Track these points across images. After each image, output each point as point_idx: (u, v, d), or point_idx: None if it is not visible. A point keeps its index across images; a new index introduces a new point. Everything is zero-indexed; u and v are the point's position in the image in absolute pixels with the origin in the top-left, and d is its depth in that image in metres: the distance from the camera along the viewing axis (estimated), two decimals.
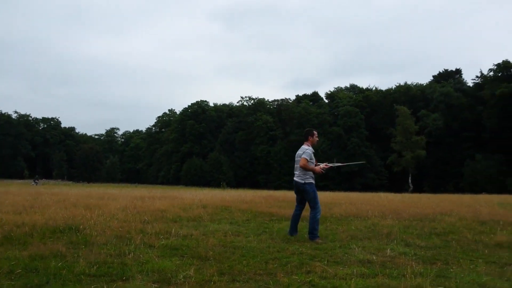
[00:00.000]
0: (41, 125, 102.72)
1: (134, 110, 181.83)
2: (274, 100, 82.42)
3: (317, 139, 7.14)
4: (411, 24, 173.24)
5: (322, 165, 6.92)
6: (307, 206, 6.93)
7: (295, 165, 6.96)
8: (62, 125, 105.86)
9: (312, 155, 6.87)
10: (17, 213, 8.61)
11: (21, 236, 6.01)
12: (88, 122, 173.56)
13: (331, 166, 7.19)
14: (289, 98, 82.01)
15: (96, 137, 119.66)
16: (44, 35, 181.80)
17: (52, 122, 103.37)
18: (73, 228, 6.73)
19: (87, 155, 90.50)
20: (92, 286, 3.68)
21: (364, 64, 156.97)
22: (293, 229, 6.95)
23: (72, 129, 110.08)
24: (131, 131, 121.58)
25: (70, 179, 78.94)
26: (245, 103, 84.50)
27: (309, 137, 7.05)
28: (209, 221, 8.56)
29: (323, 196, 12.71)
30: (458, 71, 74.08)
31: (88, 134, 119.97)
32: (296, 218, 7.02)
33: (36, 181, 48.67)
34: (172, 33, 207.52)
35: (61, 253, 4.96)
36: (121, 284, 3.80)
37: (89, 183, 69.54)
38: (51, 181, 60.04)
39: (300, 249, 5.73)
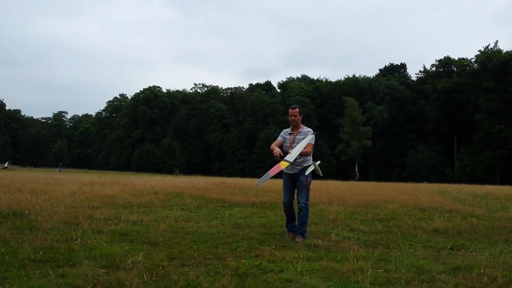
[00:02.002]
0: None
1: (84, 94, 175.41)
2: (228, 88, 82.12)
3: (290, 117, 5.93)
4: (360, 19, 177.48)
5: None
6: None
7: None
8: (7, 107, 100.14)
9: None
10: None
11: None
12: (35, 105, 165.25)
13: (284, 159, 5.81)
14: (243, 87, 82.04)
15: (43, 120, 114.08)
16: None
17: None
18: (18, 213, 6.49)
19: (34, 139, 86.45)
20: (37, 271, 3.60)
21: (315, 56, 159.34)
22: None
23: (18, 111, 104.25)
24: (80, 115, 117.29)
25: (15, 163, 74.96)
26: (198, 90, 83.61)
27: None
28: (160, 207, 8.51)
29: (274, 184, 12.94)
30: (403, 66, 77.01)
31: (35, 117, 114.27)
32: None
33: (6, 166, 46.67)
34: (125, 16, 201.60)
35: (4, 238, 4.79)
36: (68, 269, 3.75)
37: (36, 167, 66.53)
38: None
39: (250, 234, 5.85)
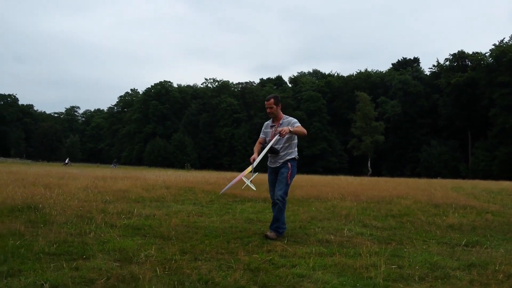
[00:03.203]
0: None
1: (95, 89, 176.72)
2: (239, 83, 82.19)
3: (267, 110, 5.65)
4: (372, 13, 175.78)
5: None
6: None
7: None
8: (20, 103, 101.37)
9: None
10: None
11: None
12: (47, 100, 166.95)
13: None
14: (253, 82, 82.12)
15: (56, 115, 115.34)
16: (0, 11, 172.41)
17: (9, 99, 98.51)
18: (32, 207, 6.56)
19: (46, 133, 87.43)
20: (52, 264, 3.63)
21: (327, 51, 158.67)
22: None
23: (31, 106, 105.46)
24: (92, 110, 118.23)
25: (28, 158, 76.05)
26: (209, 85, 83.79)
27: None
28: (172, 202, 8.55)
29: None
30: (416, 60, 76.24)
31: (47, 112, 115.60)
32: None
33: (67, 162, 47.71)
34: (136, 11, 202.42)
35: (19, 232, 4.84)
36: (82, 262, 3.78)
37: (49, 162, 67.37)
38: (9, 160, 57.70)
39: (262, 229, 5.84)
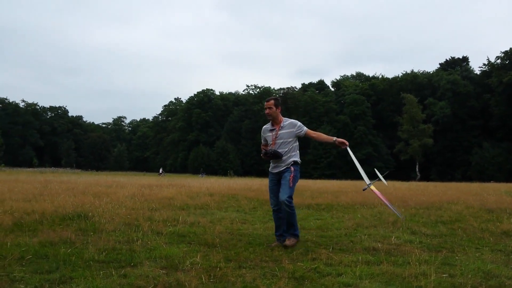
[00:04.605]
0: (48, 114, 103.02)
1: (141, 99, 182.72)
2: (280, 89, 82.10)
3: (265, 111, 5.43)
4: (417, 12, 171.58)
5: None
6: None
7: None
8: (70, 114, 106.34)
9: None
10: (27, 200, 8.73)
11: (31, 223, 6.11)
12: (95, 111, 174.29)
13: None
14: (295, 87, 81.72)
15: (104, 125, 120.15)
16: (50, 25, 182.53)
17: (59, 111, 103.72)
18: (82, 215, 6.81)
19: (95, 143, 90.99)
20: (101, 272, 3.74)
21: (370, 52, 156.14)
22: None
23: (80, 117, 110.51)
24: (138, 119, 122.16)
25: (78, 167, 79.48)
26: (251, 91, 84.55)
27: None
28: (216, 209, 8.64)
29: (330, 185, 12.75)
30: (465, 59, 73.40)
31: (96, 122, 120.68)
32: None
33: (161, 172, 50.52)
34: (178, 21, 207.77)
35: (70, 239, 5.03)
36: (130, 270, 3.86)
37: (98, 171, 70.07)
38: (60, 169, 60.51)
39: (306, 237, 5.77)
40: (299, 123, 5.31)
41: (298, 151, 5.31)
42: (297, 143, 5.33)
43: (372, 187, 5.32)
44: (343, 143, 5.13)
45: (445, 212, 8.50)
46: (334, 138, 5.13)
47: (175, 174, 58.13)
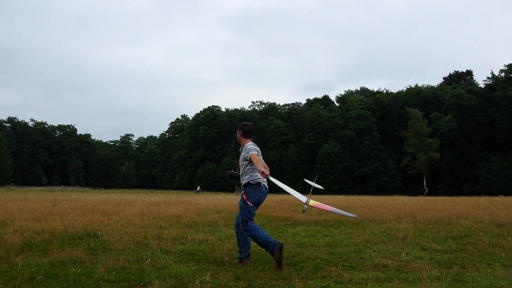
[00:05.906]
0: (57, 132, 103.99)
1: (148, 116, 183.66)
2: (285, 105, 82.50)
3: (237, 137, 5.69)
4: (419, 27, 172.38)
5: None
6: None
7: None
8: (78, 132, 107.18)
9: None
10: (37, 220, 8.77)
11: (41, 243, 6.13)
12: (103, 129, 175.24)
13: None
14: (300, 102, 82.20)
15: (112, 143, 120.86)
16: (58, 44, 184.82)
17: (68, 130, 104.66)
18: (92, 234, 6.84)
19: (103, 161, 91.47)
20: None
21: (374, 67, 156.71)
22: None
23: (88, 136, 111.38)
24: (145, 137, 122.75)
25: (87, 185, 79.72)
26: (256, 107, 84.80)
27: None
28: (224, 226, 8.63)
29: (337, 200, 12.70)
30: (468, 73, 73.48)
31: (104, 140, 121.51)
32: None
33: (198, 190, 52.36)
34: (184, 39, 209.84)
35: (80, 259, 5.05)
36: None
37: (106, 189, 70.27)
38: (69, 188, 60.72)
39: (315, 254, 5.75)
40: (250, 146, 5.37)
41: (252, 173, 5.31)
42: (250, 166, 5.35)
43: (311, 202, 5.26)
44: (262, 173, 4.92)
45: (455, 227, 8.42)
46: (259, 167, 5.02)
47: (183, 191, 58.10)
